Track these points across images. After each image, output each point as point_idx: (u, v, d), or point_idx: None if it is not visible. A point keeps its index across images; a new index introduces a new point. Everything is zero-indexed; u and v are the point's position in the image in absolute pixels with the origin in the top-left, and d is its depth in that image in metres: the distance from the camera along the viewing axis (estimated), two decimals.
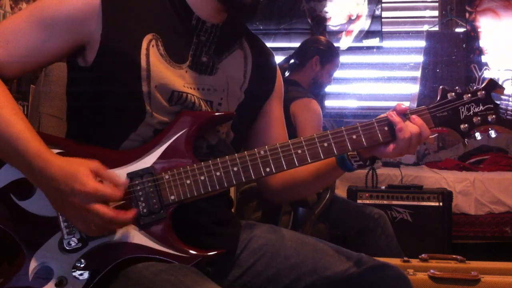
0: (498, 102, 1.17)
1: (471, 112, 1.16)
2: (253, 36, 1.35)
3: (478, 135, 1.18)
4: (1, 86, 1.08)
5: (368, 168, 3.82)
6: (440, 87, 1.18)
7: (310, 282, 1.22)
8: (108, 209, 0.99)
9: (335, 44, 5.08)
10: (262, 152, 1.12)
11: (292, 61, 2.96)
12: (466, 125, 1.16)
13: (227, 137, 1.23)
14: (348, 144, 1.13)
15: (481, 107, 1.16)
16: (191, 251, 1.08)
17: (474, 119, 1.16)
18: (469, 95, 1.16)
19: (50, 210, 1.05)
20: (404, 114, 1.14)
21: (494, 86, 1.17)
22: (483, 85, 1.18)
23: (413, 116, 1.14)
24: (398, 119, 1.12)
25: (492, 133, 1.18)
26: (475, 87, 1.18)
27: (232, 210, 1.38)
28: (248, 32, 1.34)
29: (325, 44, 2.97)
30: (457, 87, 1.18)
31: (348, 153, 1.19)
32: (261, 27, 5.29)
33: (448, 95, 1.16)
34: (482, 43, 4.96)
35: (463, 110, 1.16)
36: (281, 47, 5.13)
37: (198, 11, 1.20)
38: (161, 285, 0.98)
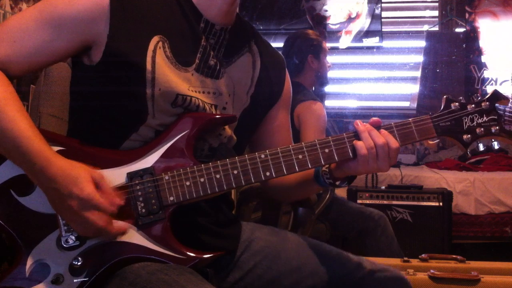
0: (501, 111, 1.16)
1: (475, 122, 1.16)
2: (263, 41, 1.34)
3: (481, 146, 1.18)
4: (6, 84, 1.07)
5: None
6: (444, 96, 1.18)
7: (311, 285, 1.22)
8: (100, 219, 1.00)
9: (335, 44, 5.10)
10: (262, 156, 1.12)
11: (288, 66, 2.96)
12: (469, 135, 1.15)
13: (229, 141, 1.23)
14: (349, 151, 1.13)
15: (484, 118, 1.16)
16: (188, 253, 1.07)
17: (478, 130, 1.16)
18: (473, 105, 1.16)
19: (49, 207, 1.05)
20: (377, 127, 1.14)
21: (498, 97, 1.17)
22: (488, 96, 1.17)
23: (382, 130, 1.14)
24: (363, 128, 1.13)
25: (495, 144, 1.18)
26: (479, 98, 1.17)
27: (233, 211, 1.38)
28: (258, 36, 1.33)
29: (311, 37, 2.99)
30: (461, 97, 1.18)
31: (321, 170, 1.20)
32: (261, 27, 5.28)
33: (452, 105, 1.16)
34: (482, 43, 4.96)
35: (466, 120, 1.16)
36: (281, 47, 5.12)
37: (206, 14, 1.19)
38: (156, 284, 0.98)
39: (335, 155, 1.13)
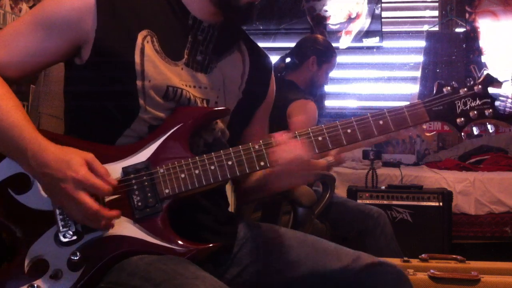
0: (494, 91, 1.16)
1: (468, 106, 1.16)
2: (250, 39, 1.36)
3: (475, 130, 1.18)
4: (0, 82, 1.10)
5: (368, 168, 3.83)
6: (436, 82, 1.18)
7: (310, 281, 1.22)
8: (93, 202, 1.00)
9: (335, 44, 5.09)
10: (256, 147, 1.12)
11: (288, 60, 2.95)
12: (462, 119, 1.15)
13: (223, 135, 1.24)
14: (343, 138, 1.14)
15: (477, 102, 1.16)
16: (185, 244, 1.08)
17: (471, 113, 1.15)
18: (466, 89, 1.16)
19: (46, 204, 1.06)
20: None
21: (491, 81, 1.16)
22: (480, 79, 1.17)
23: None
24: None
25: (489, 128, 1.18)
26: (471, 82, 1.17)
27: (231, 209, 1.39)
28: (245, 34, 1.35)
29: (322, 43, 2.95)
30: (453, 82, 1.18)
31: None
32: (261, 27, 5.28)
33: (444, 89, 1.16)
34: (482, 43, 4.96)
35: (459, 104, 1.16)
36: (281, 47, 5.12)
37: (194, 11, 1.21)
38: (154, 273, 0.99)
39: (329, 143, 1.13)
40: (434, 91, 1.17)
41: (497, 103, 1.16)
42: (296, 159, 1.10)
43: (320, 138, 1.13)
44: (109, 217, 1.03)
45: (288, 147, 1.11)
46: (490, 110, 1.15)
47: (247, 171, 1.12)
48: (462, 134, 1.17)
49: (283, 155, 1.10)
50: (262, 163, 1.12)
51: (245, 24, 1.28)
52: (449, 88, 1.16)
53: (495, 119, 1.16)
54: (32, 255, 1.05)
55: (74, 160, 1.01)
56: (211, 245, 1.10)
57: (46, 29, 1.13)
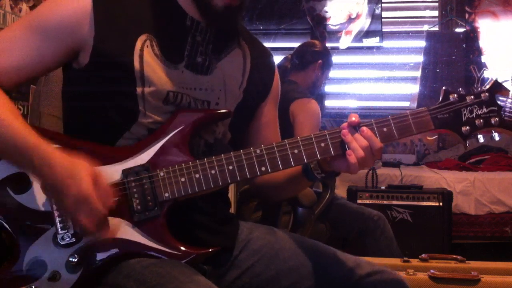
0: (501, 103, 1.13)
1: (474, 114, 1.12)
2: (251, 36, 1.35)
3: (480, 138, 1.15)
4: None
5: (368, 168, 3.83)
6: (443, 88, 1.15)
7: (309, 285, 1.21)
8: (90, 223, 1.00)
9: (335, 44, 5.11)
10: (258, 151, 1.11)
11: (293, 60, 3.00)
12: (467, 127, 1.13)
13: (224, 137, 1.23)
14: (346, 144, 1.12)
15: (484, 110, 1.12)
16: (184, 249, 1.08)
17: (477, 122, 1.12)
18: (472, 97, 1.13)
19: (45, 204, 1.06)
20: (355, 127, 1.12)
21: (498, 88, 1.13)
22: (488, 87, 1.14)
23: (363, 128, 1.12)
24: (350, 138, 1.11)
25: (496, 136, 1.15)
26: (479, 89, 1.14)
27: (231, 210, 1.38)
28: (246, 32, 1.34)
29: (328, 51, 3.11)
30: (460, 89, 1.14)
31: (311, 165, 1.19)
32: (261, 27, 5.28)
33: (450, 96, 1.13)
34: (482, 43, 4.96)
35: (465, 112, 1.13)
36: (281, 47, 5.12)
37: (191, 12, 1.20)
38: (149, 276, 1.00)
39: (331, 149, 1.12)
40: (440, 98, 1.14)
41: (501, 102, 1.14)
42: (368, 147, 1.10)
43: (322, 144, 1.12)
44: (105, 235, 1.05)
45: (364, 135, 1.11)
46: (497, 118, 1.12)
47: (248, 176, 1.11)
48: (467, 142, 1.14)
49: (362, 145, 1.10)
50: (263, 168, 1.11)
51: (228, 27, 1.24)
52: (455, 95, 1.13)
53: (502, 128, 1.13)
54: (30, 256, 1.05)
55: (79, 176, 0.99)
56: (210, 250, 1.10)
57: (41, 35, 1.12)
